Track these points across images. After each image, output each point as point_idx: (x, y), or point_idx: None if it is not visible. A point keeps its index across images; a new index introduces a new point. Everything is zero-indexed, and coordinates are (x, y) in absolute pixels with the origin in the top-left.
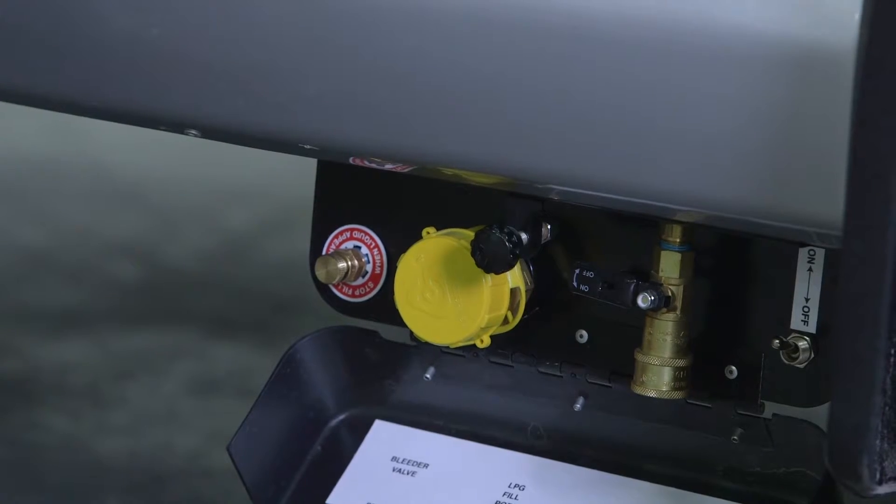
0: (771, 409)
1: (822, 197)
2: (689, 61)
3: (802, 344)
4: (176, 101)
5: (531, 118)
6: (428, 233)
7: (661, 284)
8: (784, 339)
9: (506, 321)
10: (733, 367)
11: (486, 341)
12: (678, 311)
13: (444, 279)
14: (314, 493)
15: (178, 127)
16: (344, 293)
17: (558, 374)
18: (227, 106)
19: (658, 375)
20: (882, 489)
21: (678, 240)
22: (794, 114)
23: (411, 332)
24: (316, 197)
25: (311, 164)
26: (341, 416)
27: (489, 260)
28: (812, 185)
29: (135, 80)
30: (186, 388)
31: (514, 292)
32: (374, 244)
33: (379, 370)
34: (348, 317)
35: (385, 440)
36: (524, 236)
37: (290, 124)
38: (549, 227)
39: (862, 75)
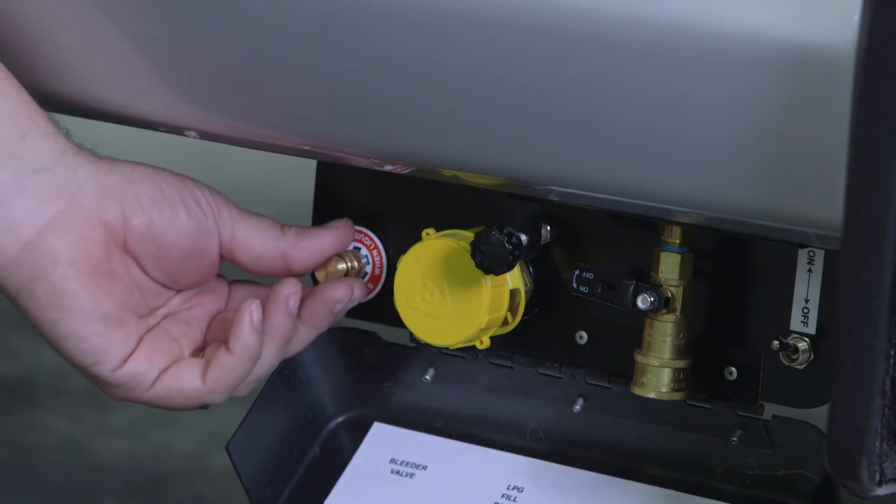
0: (770, 410)
1: (822, 198)
2: (688, 62)
3: (802, 345)
4: (175, 102)
5: (532, 119)
6: (427, 234)
7: (661, 286)
8: (784, 341)
9: (505, 322)
10: (733, 369)
11: (486, 342)
12: (678, 313)
13: (443, 280)
14: (313, 494)
15: (176, 128)
16: None
17: (558, 375)
18: (225, 107)
19: (657, 377)
20: (881, 491)
21: (678, 241)
22: (794, 115)
23: (411, 334)
24: (315, 198)
25: (310, 164)
26: (340, 418)
27: (489, 261)
28: (811, 186)
29: (133, 80)
30: None
31: (513, 293)
32: (373, 245)
33: (378, 372)
34: (347, 318)
35: (384, 442)
36: (524, 237)
37: (289, 126)
38: (548, 228)
39: (862, 75)
